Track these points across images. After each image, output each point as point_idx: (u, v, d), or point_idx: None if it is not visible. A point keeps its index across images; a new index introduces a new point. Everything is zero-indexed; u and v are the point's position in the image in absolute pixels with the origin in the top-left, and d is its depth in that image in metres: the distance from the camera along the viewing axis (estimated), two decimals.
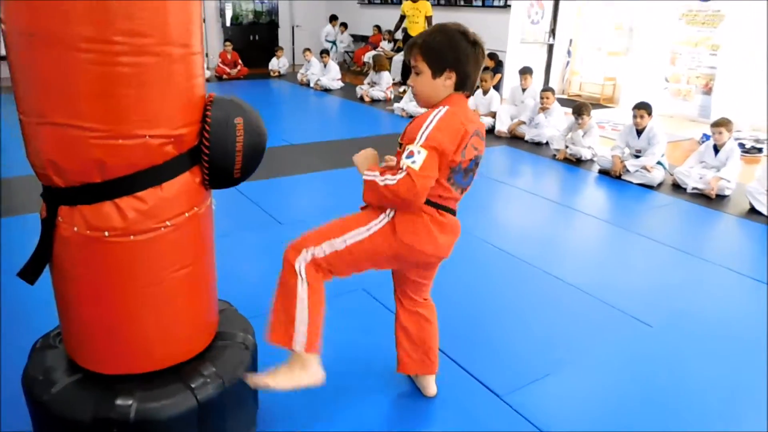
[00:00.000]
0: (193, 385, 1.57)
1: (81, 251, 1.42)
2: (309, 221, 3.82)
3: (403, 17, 8.54)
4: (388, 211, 1.69)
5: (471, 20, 9.50)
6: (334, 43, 11.87)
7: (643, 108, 4.87)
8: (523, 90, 6.74)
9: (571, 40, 9.77)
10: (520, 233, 3.89)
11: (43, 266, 1.48)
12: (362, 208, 1.78)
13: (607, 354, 2.45)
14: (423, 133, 1.57)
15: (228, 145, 1.52)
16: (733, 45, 7.54)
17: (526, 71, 6.79)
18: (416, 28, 8.27)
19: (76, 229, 1.40)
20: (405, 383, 2.18)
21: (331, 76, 9.21)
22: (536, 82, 8.86)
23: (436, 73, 1.65)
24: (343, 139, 6.15)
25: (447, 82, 1.66)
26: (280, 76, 10.51)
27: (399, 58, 10.50)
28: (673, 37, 8.30)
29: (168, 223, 1.46)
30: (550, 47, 9.63)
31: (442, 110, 1.63)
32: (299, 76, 9.76)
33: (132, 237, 1.42)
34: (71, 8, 1.25)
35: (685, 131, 7.23)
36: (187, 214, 1.50)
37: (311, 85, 9.37)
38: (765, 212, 4.16)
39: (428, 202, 1.67)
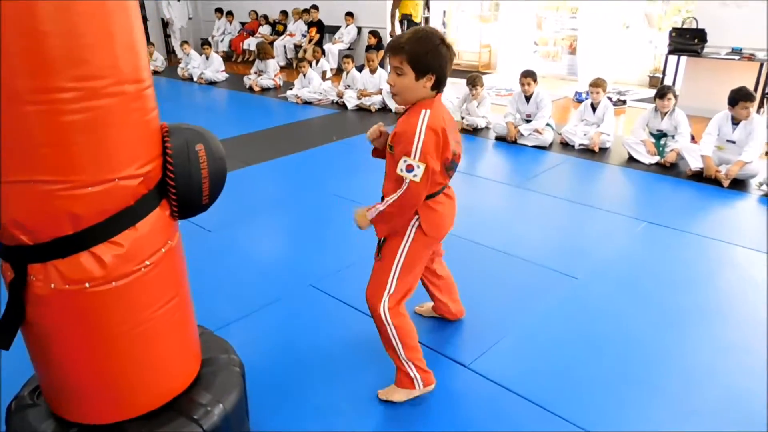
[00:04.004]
0: (195, 417, 1.57)
1: (61, 307, 1.36)
2: (235, 224, 3.78)
3: (397, 2, 8.55)
4: (408, 229, 1.94)
5: None
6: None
7: (529, 76, 5.25)
8: None
9: (444, 12, 10.14)
10: None
11: (17, 329, 1.39)
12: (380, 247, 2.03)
13: (546, 310, 2.72)
14: (417, 146, 1.76)
15: (193, 173, 1.50)
16: (589, 7, 8.27)
17: None
18: (419, 10, 8.68)
19: (53, 285, 1.33)
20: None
21: (215, 68, 8.86)
22: None
23: (419, 76, 1.78)
24: (244, 133, 6.00)
25: (427, 83, 1.80)
26: (156, 73, 9.90)
27: (281, 42, 10.30)
28: (537, 2, 8.93)
29: (147, 262, 1.43)
30: (427, 20, 9.93)
31: (427, 116, 1.79)
32: (180, 71, 9.28)
33: (114, 283, 1.38)
34: (12, 62, 1.16)
35: (559, 90, 7.87)
36: (163, 250, 1.48)
37: (194, 79, 8.96)
38: (642, 160, 4.73)
39: (434, 194, 1.93)
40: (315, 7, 9.92)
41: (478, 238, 3.43)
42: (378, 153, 2.12)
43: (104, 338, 1.41)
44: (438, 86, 1.83)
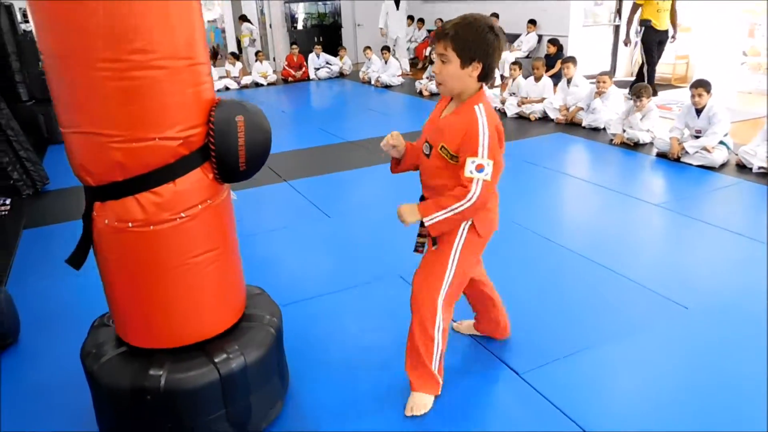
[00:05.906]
0: (216, 360, 1.76)
1: (112, 241, 1.65)
2: (354, 213, 4.02)
3: (636, 6, 7.38)
4: (459, 232, 1.88)
5: (530, 4, 9.33)
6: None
7: (701, 86, 4.63)
8: (568, 81, 6.51)
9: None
10: (568, 221, 3.86)
11: (86, 254, 1.72)
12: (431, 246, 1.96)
13: (636, 335, 2.42)
14: (483, 144, 1.71)
15: (231, 141, 1.68)
16: None
17: (568, 60, 6.60)
18: (664, 17, 7.24)
19: (106, 221, 1.63)
20: None
21: (391, 72, 9.36)
22: (598, 65, 8.56)
23: (465, 63, 1.72)
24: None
25: (473, 72, 1.74)
26: (342, 75, 10.79)
27: None
28: (752, 6, 7.75)
29: (183, 214, 1.65)
30: (617, 28, 9.25)
31: (483, 111, 1.75)
32: (361, 74, 9.99)
33: (152, 227, 1.62)
34: (90, 33, 1.45)
35: (763, 107, 6.73)
36: (200, 206, 1.69)
37: (372, 82, 9.57)
38: None
39: None
40: (495, 15, 9.88)
41: (595, 256, 3.16)
42: (398, 167, 2.12)
43: (142, 273, 1.67)
44: (485, 77, 1.76)
